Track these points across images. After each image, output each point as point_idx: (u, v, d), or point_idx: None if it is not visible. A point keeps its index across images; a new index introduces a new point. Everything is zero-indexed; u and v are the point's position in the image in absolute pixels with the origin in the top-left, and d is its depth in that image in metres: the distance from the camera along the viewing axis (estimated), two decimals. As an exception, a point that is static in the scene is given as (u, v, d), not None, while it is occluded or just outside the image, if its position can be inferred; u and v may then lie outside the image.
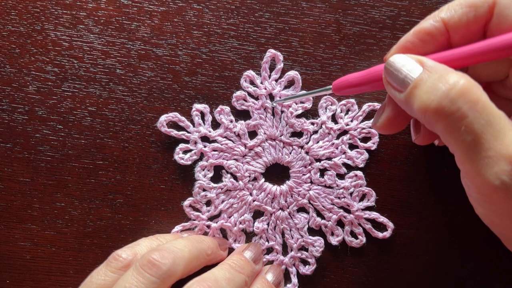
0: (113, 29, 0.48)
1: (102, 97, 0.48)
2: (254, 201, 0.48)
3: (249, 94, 0.48)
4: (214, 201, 0.48)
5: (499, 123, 0.30)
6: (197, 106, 0.48)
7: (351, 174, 0.48)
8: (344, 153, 0.48)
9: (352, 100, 0.48)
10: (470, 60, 0.33)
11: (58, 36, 0.48)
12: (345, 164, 0.48)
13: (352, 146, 0.49)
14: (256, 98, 0.48)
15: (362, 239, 0.48)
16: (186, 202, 0.48)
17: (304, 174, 0.49)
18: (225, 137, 0.48)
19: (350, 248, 0.48)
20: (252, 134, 0.49)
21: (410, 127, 0.43)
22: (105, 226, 0.48)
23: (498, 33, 0.34)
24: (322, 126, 0.48)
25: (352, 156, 0.48)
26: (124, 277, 0.38)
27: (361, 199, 0.48)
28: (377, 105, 0.48)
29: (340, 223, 0.48)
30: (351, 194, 0.48)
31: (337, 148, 0.48)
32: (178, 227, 0.48)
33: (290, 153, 0.48)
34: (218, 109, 0.48)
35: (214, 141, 0.48)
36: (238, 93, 0.48)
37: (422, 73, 0.33)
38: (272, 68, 0.48)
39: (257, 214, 0.49)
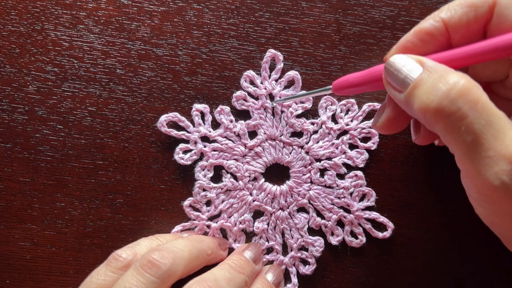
0: (113, 29, 0.48)
1: (102, 97, 0.48)
2: (254, 201, 0.48)
3: (249, 94, 0.48)
4: (214, 201, 0.48)
5: (499, 123, 0.30)
6: (197, 106, 0.48)
7: (351, 174, 0.48)
8: (344, 153, 0.48)
9: (352, 100, 0.48)
10: (470, 60, 0.33)
11: (58, 36, 0.48)
12: (345, 164, 0.48)
13: (352, 146, 0.49)
14: (256, 98, 0.48)
15: (362, 239, 0.48)
16: (186, 202, 0.48)
17: (304, 174, 0.49)
18: (225, 137, 0.48)
19: (350, 248, 0.48)
20: (252, 134, 0.49)
21: (410, 127, 0.43)
22: (105, 226, 0.48)
23: (498, 33, 0.34)
24: (322, 126, 0.48)
25: (352, 156, 0.48)
26: (124, 277, 0.38)
27: (361, 199, 0.48)
28: (377, 105, 0.48)
29: (340, 223, 0.48)
30: (351, 194, 0.48)
31: (337, 148, 0.48)
32: (178, 227, 0.48)
33: (290, 153, 0.48)
34: (218, 109, 0.48)
35: (214, 141, 0.48)
36: (238, 93, 0.48)
37: (422, 73, 0.33)
38: (272, 68, 0.48)
39: (257, 214, 0.49)
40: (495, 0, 0.34)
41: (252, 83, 0.48)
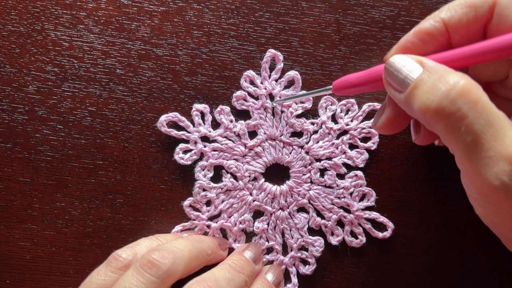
0: (113, 29, 0.48)
1: (102, 97, 0.48)
2: (254, 201, 0.48)
3: (249, 94, 0.48)
4: (214, 201, 0.48)
5: (499, 123, 0.30)
6: (197, 106, 0.48)
7: (351, 174, 0.48)
8: (344, 153, 0.48)
9: (352, 100, 0.48)
10: (470, 61, 0.33)
11: (58, 36, 0.48)
12: (345, 164, 0.48)
13: (352, 146, 0.49)
14: (256, 98, 0.48)
15: (362, 239, 0.48)
16: (186, 202, 0.48)
17: (304, 174, 0.49)
18: (225, 137, 0.48)
19: (350, 248, 0.48)
20: (252, 134, 0.49)
21: (410, 127, 0.43)
22: (105, 226, 0.48)
23: (498, 33, 0.34)
24: (322, 126, 0.48)
25: (352, 156, 0.48)
26: (124, 277, 0.38)
27: (361, 199, 0.48)
28: (377, 105, 0.48)
29: (340, 223, 0.48)
30: (351, 194, 0.48)
31: (337, 148, 0.48)
32: (178, 227, 0.48)
33: (290, 153, 0.48)
34: (218, 109, 0.48)
35: (214, 141, 0.48)
36: (238, 93, 0.48)
37: (422, 74, 0.33)
38: (272, 68, 0.48)
39: (257, 214, 0.49)
40: (495, 0, 0.34)
41: (252, 83, 0.48)
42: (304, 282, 0.48)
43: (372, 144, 0.48)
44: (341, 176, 0.48)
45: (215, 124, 0.48)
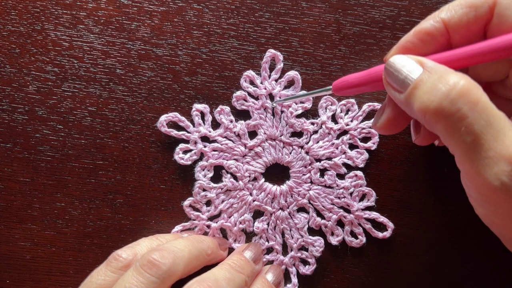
0: (113, 29, 0.48)
1: (102, 97, 0.48)
2: (254, 201, 0.48)
3: (249, 94, 0.48)
4: (214, 201, 0.48)
5: (499, 123, 0.30)
6: (197, 106, 0.48)
7: (351, 174, 0.48)
8: (344, 153, 0.48)
9: (352, 100, 0.48)
10: (470, 61, 0.33)
11: (58, 36, 0.48)
12: (345, 164, 0.48)
13: (352, 146, 0.49)
14: (256, 98, 0.48)
15: (362, 239, 0.48)
16: (186, 202, 0.48)
17: (304, 174, 0.49)
18: (225, 137, 0.48)
19: (350, 248, 0.48)
20: (252, 134, 0.49)
21: (410, 128, 0.43)
22: (105, 226, 0.48)
23: (498, 33, 0.34)
24: (322, 126, 0.48)
25: (352, 156, 0.48)
26: (124, 277, 0.38)
27: (361, 199, 0.48)
28: (377, 105, 0.48)
29: (340, 223, 0.48)
30: (351, 194, 0.48)
31: (337, 148, 0.48)
32: (178, 227, 0.48)
33: (290, 153, 0.48)
34: (218, 109, 0.48)
35: (214, 141, 0.48)
36: (238, 93, 0.48)
37: (422, 74, 0.33)
38: (272, 68, 0.48)
39: (257, 214, 0.49)
40: (495, 0, 0.34)
41: (252, 83, 0.48)
42: (304, 282, 0.48)
43: (372, 144, 0.48)
44: (341, 176, 0.48)
45: (215, 124, 0.48)
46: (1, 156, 0.48)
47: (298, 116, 0.48)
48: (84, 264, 0.48)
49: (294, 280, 0.48)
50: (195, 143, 0.48)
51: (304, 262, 0.49)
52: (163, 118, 0.47)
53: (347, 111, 0.49)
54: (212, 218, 0.48)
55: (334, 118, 0.49)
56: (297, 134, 0.49)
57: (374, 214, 0.48)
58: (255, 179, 0.49)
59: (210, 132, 0.48)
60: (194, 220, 0.48)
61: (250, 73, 0.48)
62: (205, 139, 0.48)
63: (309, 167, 0.48)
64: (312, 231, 0.49)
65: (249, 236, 0.49)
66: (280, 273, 0.47)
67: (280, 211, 0.48)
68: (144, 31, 0.48)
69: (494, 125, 0.30)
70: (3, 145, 0.48)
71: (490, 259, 0.48)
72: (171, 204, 0.48)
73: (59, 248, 0.48)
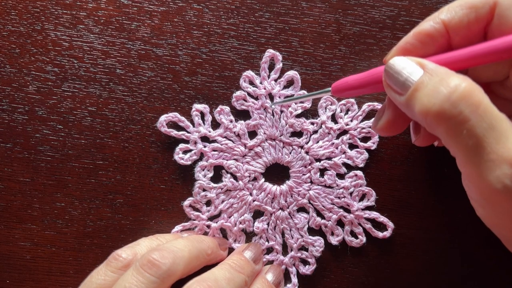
0: (113, 29, 0.48)
1: (102, 97, 0.48)
2: (254, 201, 0.48)
3: (249, 94, 0.48)
4: (214, 201, 0.48)
5: (501, 126, 0.30)
6: (197, 106, 0.48)
7: (351, 174, 0.48)
8: (344, 153, 0.48)
9: (352, 100, 0.48)
10: (471, 62, 0.33)
11: (58, 36, 0.48)
12: (345, 164, 0.48)
13: (352, 146, 0.49)
14: (256, 98, 0.48)
15: (362, 239, 0.48)
16: (186, 202, 0.48)
17: (304, 174, 0.49)
18: (225, 137, 0.48)
19: (350, 248, 0.48)
20: (252, 134, 0.49)
21: (410, 129, 0.43)
22: (105, 226, 0.48)
23: (499, 34, 0.34)
24: (322, 126, 0.48)
25: (352, 156, 0.48)
26: (124, 276, 0.38)
27: (361, 199, 0.48)
28: (377, 105, 0.48)
29: (340, 223, 0.49)
30: (351, 194, 0.48)
31: (337, 148, 0.48)
32: (178, 227, 0.48)
33: (290, 153, 0.48)
34: (218, 109, 0.48)
35: (214, 141, 0.48)
36: (238, 93, 0.48)
37: (422, 76, 0.32)
38: (272, 68, 0.48)
39: (257, 214, 0.49)
40: (496, 1, 0.34)
41: (251, 83, 0.48)
42: (304, 282, 0.48)
43: (372, 144, 0.48)
44: (341, 176, 0.48)
45: (215, 124, 0.48)
46: (1, 156, 0.48)
47: (298, 116, 0.48)
48: (84, 264, 0.48)
49: (294, 280, 0.48)
50: (195, 143, 0.48)
51: (304, 262, 0.49)
52: (163, 118, 0.47)
53: (347, 110, 0.49)
54: (212, 218, 0.48)
55: (334, 118, 0.49)
56: (297, 134, 0.49)
57: (374, 214, 0.48)
58: (255, 179, 0.49)
59: (210, 132, 0.48)
60: (194, 220, 0.48)
61: (249, 73, 0.48)
62: (205, 139, 0.48)
63: (309, 167, 0.48)
64: (312, 231, 0.49)
65: (249, 236, 0.49)
66: (280, 273, 0.47)
67: (280, 211, 0.48)
68: (144, 31, 0.48)
69: (496, 128, 0.29)
70: (3, 145, 0.48)
71: (490, 259, 0.48)
72: (171, 204, 0.48)
73: (59, 248, 0.48)
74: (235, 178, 0.48)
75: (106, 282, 0.40)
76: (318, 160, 0.48)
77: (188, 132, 0.48)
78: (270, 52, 0.48)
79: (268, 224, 0.48)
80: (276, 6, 0.48)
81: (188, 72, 0.48)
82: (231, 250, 0.48)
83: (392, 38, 0.48)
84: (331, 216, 0.48)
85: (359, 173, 0.48)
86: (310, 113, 0.49)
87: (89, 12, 0.48)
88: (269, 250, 0.49)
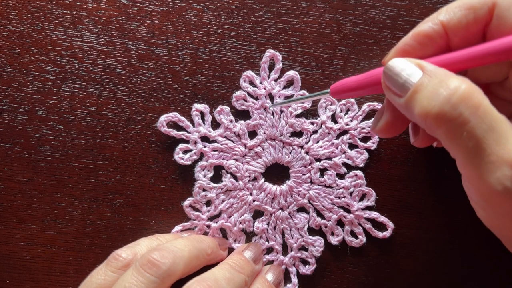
0: (113, 29, 0.48)
1: (102, 97, 0.48)
2: (254, 201, 0.48)
3: (249, 94, 0.48)
4: (214, 201, 0.48)
5: (501, 127, 0.29)
6: (197, 106, 0.48)
7: (351, 173, 0.48)
8: (344, 152, 0.48)
9: (352, 100, 0.48)
10: (470, 63, 0.33)
11: (58, 36, 0.48)
12: (345, 164, 0.48)
13: (352, 146, 0.49)
14: (256, 98, 0.48)
15: (362, 238, 0.48)
16: (186, 202, 0.48)
17: (304, 174, 0.49)
18: (225, 137, 0.48)
19: (350, 248, 0.48)
20: (252, 134, 0.49)
21: (409, 130, 0.43)
22: (105, 226, 0.48)
23: (498, 35, 0.33)
24: (322, 126, 0.48)
25: (352, 156, 0.48)
26: (124, 276, 0.39)
27: (361, 199, 0.48)
28: (377, 105, 0.48)
29: (340, 223, 0.49)
30: (351, 193, 0.48)
31: (337, 148, 0.48)
32: (178, 227, 0.48)
33: (290, 153, 0.48)
34: (218, 109, 0.48)
35: (214, 141, 0.48)
36: (238, 93, 0.48)
37: (422, 78, 0.32)
38: (272, 68, 0.48)
39: (257, 214, 0.49)
40: (495, 2, 0.34)
41: (251, 83, 0.48)
42: (304, 282, 0.48)
43: (372, 144, 0.48)
44: (341, 176, 0.48)
45: (215, 124, 0.48)
46: (1, 156, 0.48)
47: (298, 116, 0.48)
48: (84, 264, 0.48)
49: (294, 280, 0.48)
50: (195, 143, 0.48)
51: (304, 262, 0.49)
52: (163, 118, 0.47)
53: (347, 110, 0.49)
54: (212, 218, 0.49)
55: (334, 118, 0.48)
56: (297, 134, 0.49)
57: (374, 214, 0.48)
58: (255, 179, 0.49)
59: (210, 132, 0.48)
60: (194, 220, 0.48)
61: (249, 73, 0.48)
62: (205, 139, 0.48)
63: (309, 167, 0.48)
64: (312, 231, 0.49)
65: (249, 236, 0.49)
66: (280, 273, 0.47)
67: (280, 211, 0.48)
68: (144, 31, 0.48)
69: (496, 130, 0.29)
70: (3, 145, 0.48)
71: (490, 259, 0.48)
72: (171, 204, 0.48)
73: (59, 248, 0.48)
74: (235, 178, 0.48)
75: (106, 282, 0.40)
76: (318, 160, 0.48)
77: (188, 132, 0.48)
78: (270, 52, 0.48)
79: (268, 224, 0.48)
80: (276, 6, 0.48)
81: (188, 72, 0.48)
82: (231, 250, 0.48)
83: (392, 38, 0.48)
84: (331, 216, 0.48)
85: (359, 173, 0.48)
86: (310, 113, 0.49)
87: (89, 12, 0.48)
88: (269, 250, 0.49)
